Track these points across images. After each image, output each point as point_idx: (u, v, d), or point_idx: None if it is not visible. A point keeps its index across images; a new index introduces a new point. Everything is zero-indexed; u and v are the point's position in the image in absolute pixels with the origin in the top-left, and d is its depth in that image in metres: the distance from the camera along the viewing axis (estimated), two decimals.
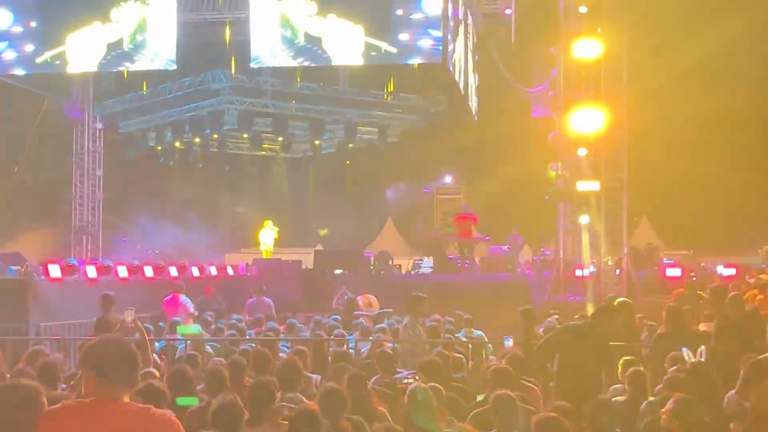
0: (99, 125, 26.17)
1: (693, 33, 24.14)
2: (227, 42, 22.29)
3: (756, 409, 6.13)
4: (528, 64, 22.06)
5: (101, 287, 14.91)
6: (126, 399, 3.90)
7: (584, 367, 8.12)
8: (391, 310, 15.89)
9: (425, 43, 19.20)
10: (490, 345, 12.04)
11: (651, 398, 7.26)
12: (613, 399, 7.58)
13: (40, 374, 7.22)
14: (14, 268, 17.17)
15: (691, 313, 10.65)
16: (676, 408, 6.12)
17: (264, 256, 24.84)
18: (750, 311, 9.96)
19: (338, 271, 21.79)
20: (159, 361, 10.25)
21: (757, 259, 22.09)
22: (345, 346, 11.26)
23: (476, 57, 24.07)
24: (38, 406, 3.96)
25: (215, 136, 31.98)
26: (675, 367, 7.68)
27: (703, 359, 7.93)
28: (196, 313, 15.07)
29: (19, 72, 21.37)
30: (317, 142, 33.50)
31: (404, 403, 6.78)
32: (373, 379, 8.31)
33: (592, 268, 18.26)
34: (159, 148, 32.44)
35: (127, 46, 20.40)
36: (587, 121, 17.87)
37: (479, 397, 7.60)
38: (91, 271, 17.01)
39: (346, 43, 19.36)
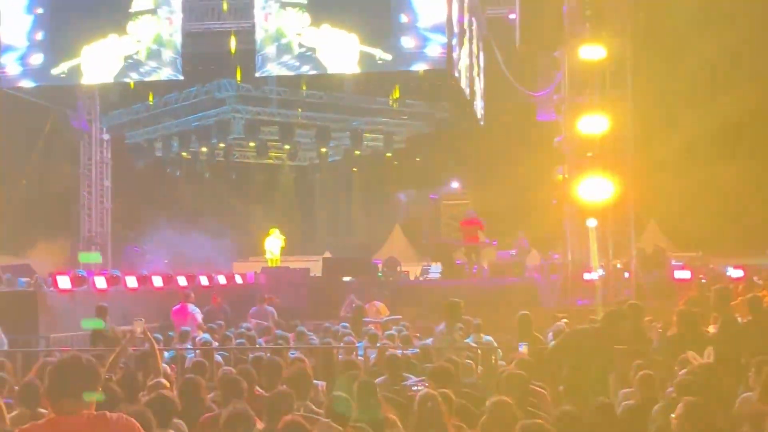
0: (106, 136, 26.28)
1: (700, 34, 24.09)
2: (232, 51, 22.38)
3: None
4: (533, 68, 22.07)
5: (110, 298, 14.98)
6: (85, 411, 4.06)
7: (593, 371, 8.11)
8: (400, 316, 15.88)
9: (430, 49, 19.24)
10: (500, 350, 12.01)
11: (661, 402, 7.24)
12: (623, 403, 7.57)
13: None
14: (24, 279, 17.26)
15: (701, 316, 10.61)
16: (687, 411, 6.10)
17: (270, 265, 24.86)
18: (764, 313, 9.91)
19: (347, 279, 21.79)
20: (169, 370, 10.26)
21: (766, 259, 22.04)
22: (354, 353, 11.25)
23: (481, 62, 24.10)
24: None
25: (222, 145, 32.04)
26: (684, 370, 7.66)
27: (711, 360, 7.91)
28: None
29: (27, 84, 21.47)
30: (323, 149, 33.55)
31: (414, 411, 6.77)
32: (379, 380, 8.30)
33: (600, 272, 18.23)
34: (166, 157, 32.53)
35: (144, 58, 20.49)
36: (593, 124, 17.93)
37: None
38: (100, 282, 17.08)
39: (341, 52, 19.43)
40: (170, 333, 13.93)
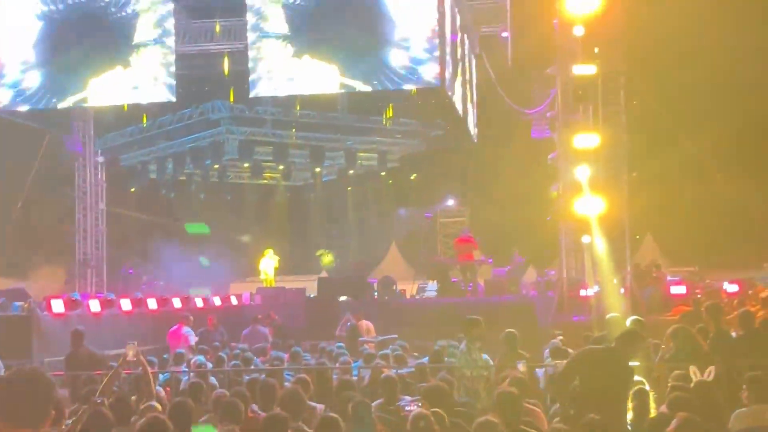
0: (100, 159, 26.24)
1: (694, 47, 24.19)
2: (226, 73, 22.41)
3: None
4: (526, 86, 22.12)
5: (105, 321, 14.92)
6: None
7: (607, 394, 7.75)
8: (396, 336, 15.81)
9: (423, 69, 19.27)
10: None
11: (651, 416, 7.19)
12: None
13: None
14: (18, 304, 17.17)
15: (702, 330, 10.59)
16: (681, 427, 6.08)
17: (264, 285, 24.82)
18: (759, 328, 9.88)
19: (342, 298, 21.75)
20: (162, 393, 10.20)
21: (763, 273, 22.02)
22: (349, 373, 11.20)
23: (474, 80, 24.16)
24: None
25: (216, 166, 32.09)
26: (678, 385, 7.62)
27: (711, 378, 7.83)
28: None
29: (22, 108, 21.46)
30: (318, 169, 33.62)
31: (407, 431, 6.73)
32: (375, 403, 8.26)
33: (596, 288, 18.18)
34: (161, 179, 32.54)
35: (148, 84, 20.55)
36: (587, 141, 17.99)
37: None
38: (95, 305, 16.99)
39: (321, 83, 19.62)
40: (164, 356, 13.87)
